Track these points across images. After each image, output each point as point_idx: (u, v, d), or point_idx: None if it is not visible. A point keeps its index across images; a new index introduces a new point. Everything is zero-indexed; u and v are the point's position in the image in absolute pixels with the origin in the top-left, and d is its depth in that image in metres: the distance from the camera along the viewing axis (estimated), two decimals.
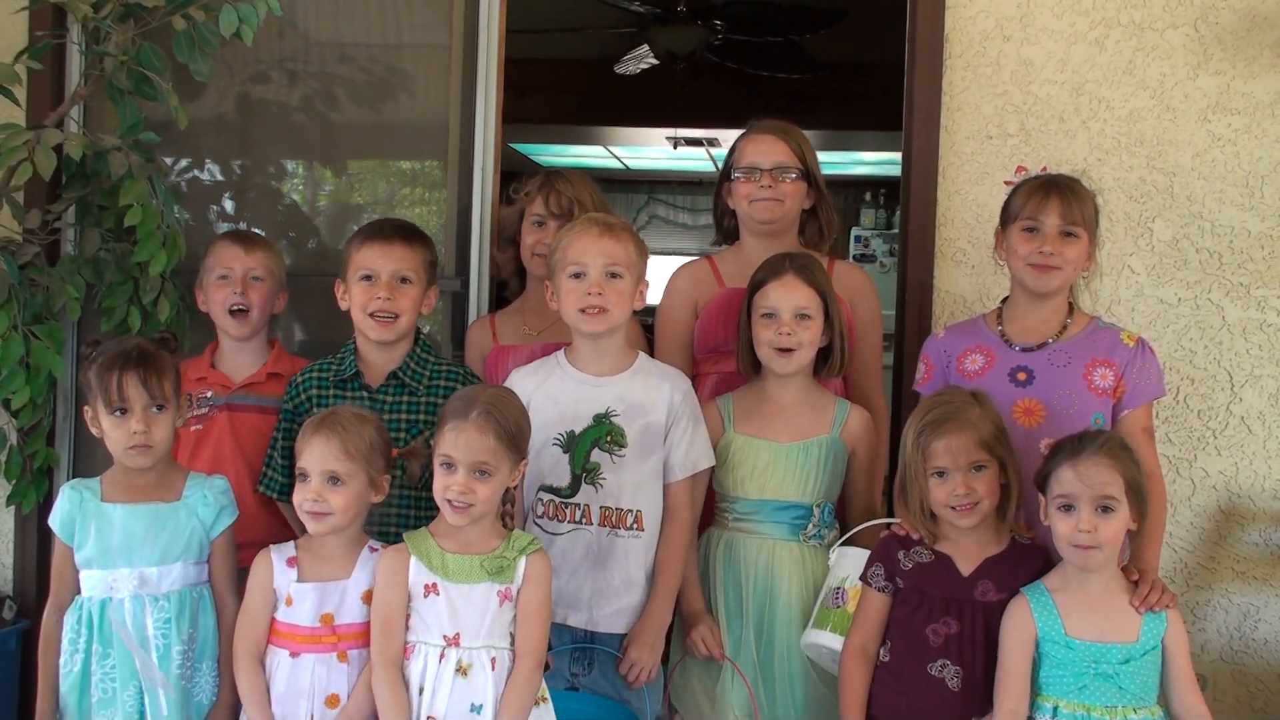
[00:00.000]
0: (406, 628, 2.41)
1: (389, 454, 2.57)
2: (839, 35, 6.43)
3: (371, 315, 2.78)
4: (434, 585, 2.40)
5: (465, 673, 2.37)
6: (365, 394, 2.82)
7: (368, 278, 2.80)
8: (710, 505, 2.85)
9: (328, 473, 2.46)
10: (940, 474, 2.47)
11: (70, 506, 2.56)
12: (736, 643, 2.74)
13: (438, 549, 2.43)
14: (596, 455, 2.66)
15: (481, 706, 2.36)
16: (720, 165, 3.17)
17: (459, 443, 2.39)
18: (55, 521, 2.58)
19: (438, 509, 2.78)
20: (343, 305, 2.85)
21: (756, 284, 2.80)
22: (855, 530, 2.74)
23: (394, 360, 2.84)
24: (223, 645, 2.58)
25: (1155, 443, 2.77)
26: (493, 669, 2.37)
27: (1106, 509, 2.35)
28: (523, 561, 2.43)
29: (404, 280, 2.81)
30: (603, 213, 2.88)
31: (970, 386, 2.61)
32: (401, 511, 2.76)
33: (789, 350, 2.73)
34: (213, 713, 2.57)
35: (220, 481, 2.65)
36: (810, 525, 2.77)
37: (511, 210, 3.22)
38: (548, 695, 2.48)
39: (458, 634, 2.38)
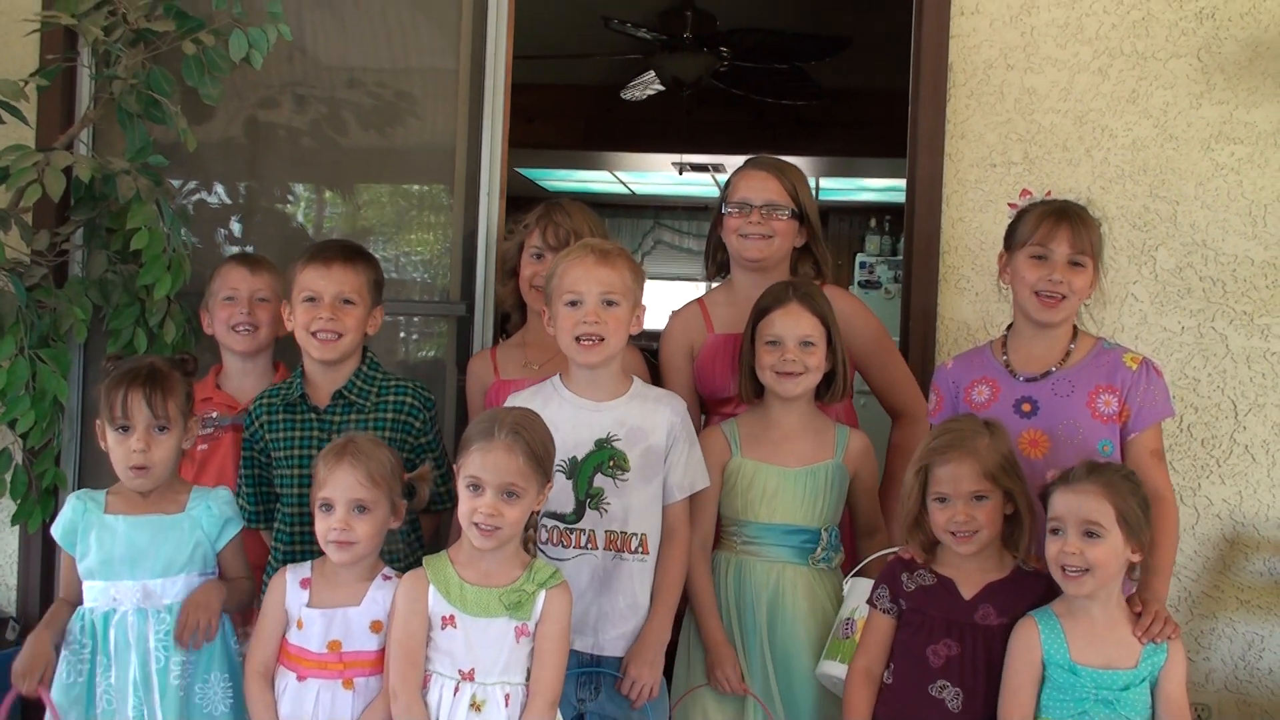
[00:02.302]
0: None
1: (402, 477, 2.57)
2: (844, 62, 6.45)
3: (314, 335, 2.77)
4: (451, 618, 2.38)
5: (479, 709, 2.35)
6: (313, 415, 2.80)
7: (311, 299, 2.78)
8: (717, 529, 2.86)
9: (355, 501, 2.44)
10: (942, 499, 2.49)
11: (73, 516, 2.58)
12: (749, 666, 2.74)
13: (457, 579, 2.40)
14: (600, 480, 2.65)
15: None
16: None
17: (486, 463, 2.35)
18: (57, 530, 2.59)
19: (409, 526, 2.77)
20: (288, 326, 2.85)
21: (760, 311, 2.81)
22: (867, 560, 2.76)
23: (340, 380, 2.82)
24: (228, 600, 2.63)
25: (1166, 465, 2.76)
26: (506, 705, 2.35)
27: (1092, 534, 2.36)
28: (542, 596, 2.40)
29: (347, 301, 2.79)
30: (594, 239, 2.85)
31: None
32: (404, 534, 2.76)
33: (793, 374, 2.75)
34: (208, 591, 2.59)
35: (224, 492, 2.66)
36: (819, 549, 2.78)
37: (511, 243, 3.22)
38: None
39: (473, 669, 2.36)
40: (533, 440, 2.37)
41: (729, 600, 2.78)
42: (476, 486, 2.36)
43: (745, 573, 2.77)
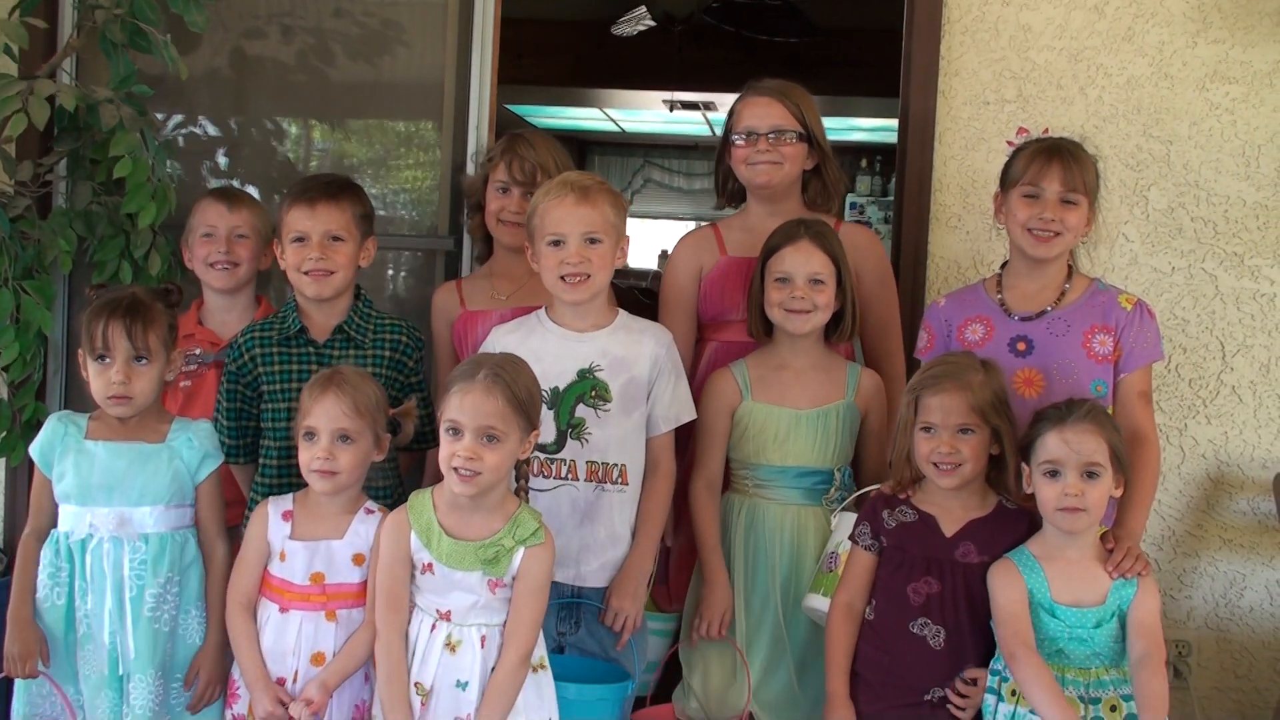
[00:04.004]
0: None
1: (387, 411, 2.56)
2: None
3: (306, 273, 2.75)
4: (430, 565, 2.38)
5: (454, 649, 2.36)
6: (311, 349, 2.79)
7: (300, 239, 2.76)
8: (728, 472, 2.87)
9: (339, 431, 2.44)
10: (928, 429, 2.49)
11: (51, 437, 2.57)
12: (760, 608, 2.76)
13: (437, 528, 2.39)
14: (581, 410, 2.66)
15: (467, 684, 2.35)
16: (716, 130, 3.15)
17: (465, 405, 2.33)
18: (35, 450, 2.58)
19: (394, 466, 2.77)
20: (281, 265, 2.83)
21: (771, 249, 2.79)
22: (856, 495, 2.76)
23: (337, 315, 2.81)
24: (211, 588, 2.58)
25: (1152, 407, 2.77)
26: (482, 647, 2.37)
27: (1092, 474, 2.37)
28: (520, 553, 2.38)
29: (335, 239, 2.77)
30: (574, 173, 2.81)
31: None
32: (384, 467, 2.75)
33: (802, 311, 2.74)
34: (200, 654, 2.57)
35: (205, 425, 2.64)
36: (832, 489, 2.79)
37: (476, 176, 3.19)
38: (546, 663, 2.47)
39: (449, 611, 2.38)
40: (513, 383, 2.35)
41: (741, 543, 2.79)
42: (455, 430, 2.34)
43: (759, 516, 2.79)
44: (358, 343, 2.80)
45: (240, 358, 2.81)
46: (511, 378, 2.35)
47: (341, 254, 2.78)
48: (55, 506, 2.57)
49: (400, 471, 2.90)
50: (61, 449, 2.55)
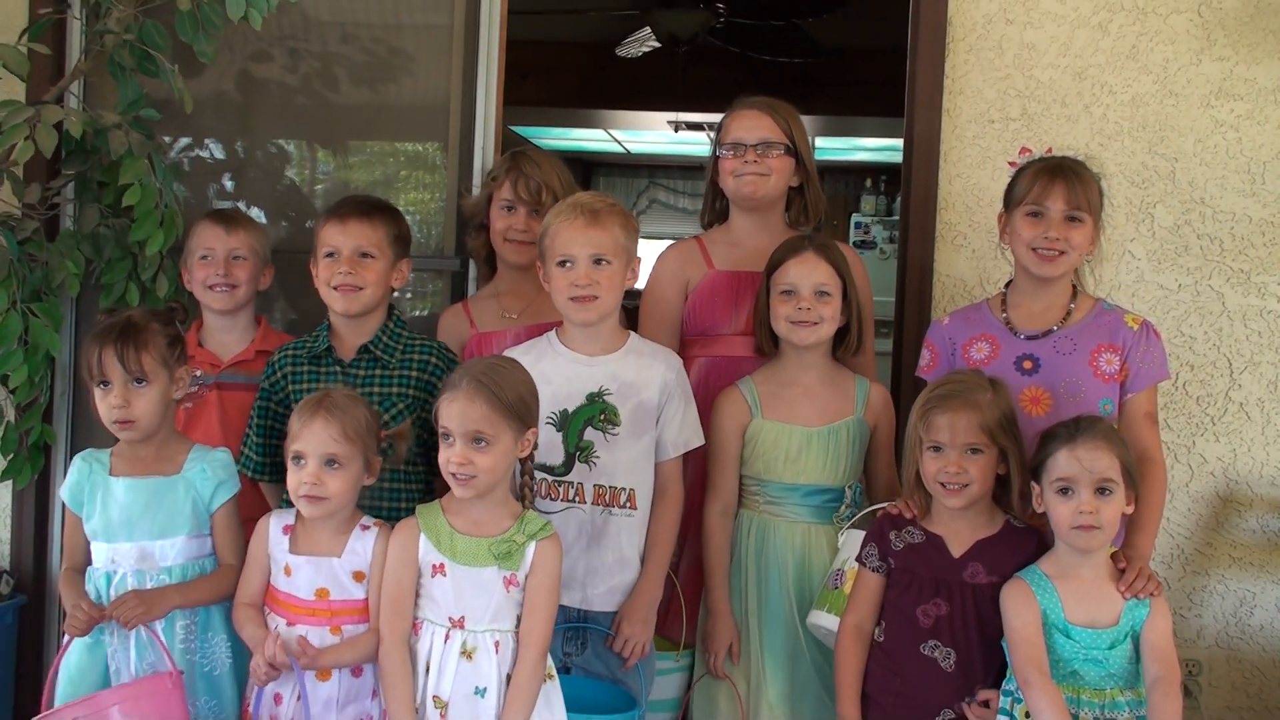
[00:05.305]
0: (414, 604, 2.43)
1: (379, 434, 2.57)
2: (842, 19, 6.41)
3: (335, 288, 2.77)
4: (441, 566, 2.39)
5: (470, 656, 2.37)
6: (338, 368, 2.81)
7: (331, 254, 2.79)
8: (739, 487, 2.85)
9: (326, 455, 2.45)
10: (936, 448, 2.48)
11: (79, 478, 2.59)
12: (774, 628, 2.75)
13: (448, 528, 2.41)
14: (590, 434, 2.65)
15: (485, 690, 2.36)
16: None
17: (451, 413, 2.38)
18: (66, 493, 2.60)
19: (422, 486, 2.77)
20: (315, 281, 2.85)
21: (775, 262, 2.79)
22: (864, 512, 2.76)
23: (365, 334, 2.82)
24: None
25: (1158, 427, 2.77)
26: (496, 652, 2.38)
27: (1105, 491, 2.36)
28: (532, 547, 2.41)
29: (365, 255, 2.79)
30: (586, 194, 2.80)
31: None
32: (393, 487, 2.75)
33: (808, 323, 2.74)
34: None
35: (221, 455, 2.65)
36: (843, 507, 2.79)
37: (479, 196, 3.20)
38: (554, 672, 2.48)
39: (463, 617, 2.38)
40: (497, 387, 2.37)
41: (752, 561, 2.78)
42: (448, 436, 2.38)
43: (769, 533, 2.78)
44: (384, 363, 2.81)
45: (273, 375, 2.84)
46: (494, 383, 2.38)
47: (371, 271, 2.79)
48: (88, 543, 2.59)
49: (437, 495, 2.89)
50: (90, 489, 2.57)
